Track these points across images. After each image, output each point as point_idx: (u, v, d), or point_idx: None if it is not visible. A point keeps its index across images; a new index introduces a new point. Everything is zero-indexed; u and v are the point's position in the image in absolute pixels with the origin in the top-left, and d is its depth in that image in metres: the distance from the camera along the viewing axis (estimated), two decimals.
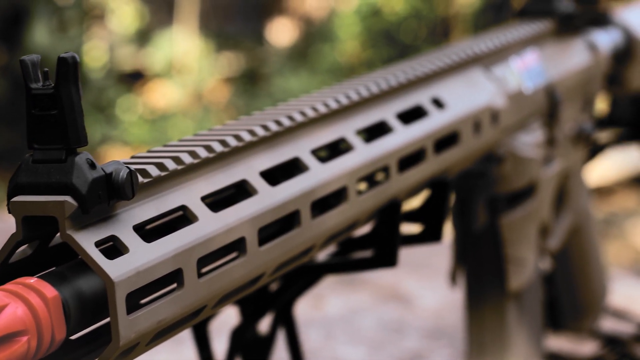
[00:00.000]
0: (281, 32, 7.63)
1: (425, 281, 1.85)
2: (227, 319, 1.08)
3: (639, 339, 1.52)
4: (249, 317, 0.96)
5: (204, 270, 0.71)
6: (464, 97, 1.03)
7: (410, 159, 0.93)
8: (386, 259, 0.91)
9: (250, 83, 6.61)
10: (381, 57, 6.00)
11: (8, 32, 5.65)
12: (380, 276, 1.87)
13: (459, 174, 1.12)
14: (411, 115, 0.96)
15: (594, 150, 1.51)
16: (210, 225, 0.69)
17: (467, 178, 1.12)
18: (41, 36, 5.81)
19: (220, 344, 1.07)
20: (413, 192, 0.96)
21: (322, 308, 1.70)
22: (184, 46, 6.65)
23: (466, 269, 1.15)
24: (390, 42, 6.17)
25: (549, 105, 1.19)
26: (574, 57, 1.27)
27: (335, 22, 6.68)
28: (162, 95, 6.45)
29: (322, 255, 1.00)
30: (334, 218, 0.82)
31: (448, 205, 0.98)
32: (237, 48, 7.10)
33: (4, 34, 5.64)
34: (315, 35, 7.03)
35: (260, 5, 7.91)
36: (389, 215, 0.91)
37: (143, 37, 6.89)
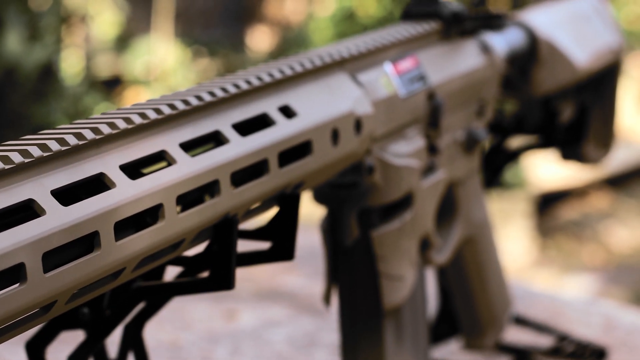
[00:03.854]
0: (260, 38, 7.59)
1: None
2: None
3: (555, 352, 1.47)
4: (84, 343, 0.90)
5: None
6: (321, 104, 0.97)
7: (248, 172, 0.87)
8: (221, 280, 0.85)
9: None
10: None
11: None
12: (301, 288, 1.81)
13: (325, 185, 1.06)
14: (253, 125, 0.90)
15: (507, 157, 1.45)
16: None
17: (338, 189, 1.06)
18: (13, 43, 5.75)
19: None
20: (257, 207, 0.90)
21: (233, 322, 1.64)
22: (161, 53, 6.61)
23: (339, 287, 1.09)
24: None
25: (429, 112, 1.13)
26: (464, 61, 1.21)
27: (311, 27, 6.65)
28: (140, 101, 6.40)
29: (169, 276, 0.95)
30: (146, 239, 0.76)
31: (298, 221, 0.92)
32: (214, 54, 7.07)
33: None
34: (292, 40, 7.00)
35: (240, 12, 7.87)
36: (223, 233, 0.85)
37: (121, 43, 6.85)
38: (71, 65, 6.13)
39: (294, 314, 1.67)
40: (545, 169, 4.98)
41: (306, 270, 1.85)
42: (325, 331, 1.59)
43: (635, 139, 6.09)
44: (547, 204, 5.09)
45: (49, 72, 5.95)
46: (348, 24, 6.26)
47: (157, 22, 6.97)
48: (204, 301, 1.73)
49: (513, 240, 4.63)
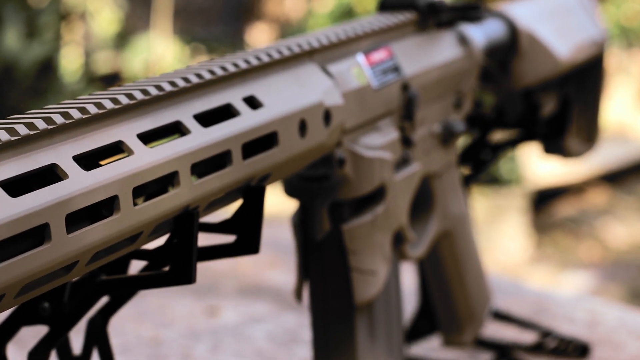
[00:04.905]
0: (259, 35, 7.58)
1: None
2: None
3: (537, 348, 1.45)
4: (45, 338, 0.89)
5: None
6: (289, 94, 0.95)
7: (210, 163, 0.86)
8: (182, 274, 0.84)
9: None
10: None
11: None
12: (286, 283, 1.80)
13: (295, 178, 1.05)
14: (217, 116, 0.88)
15: (489, 151, 1.43)
16: None
17: (308, 182, 1.04)
18: (11, 40, 5.74)
19: None
20: (221, 199, 0.89)
21: (215, 318, 1.63)
22: (160, 50, 6.61)
23: (310, 283, 1.08)
24: None
25: (404, 103, 1.11)
26: (440, 52, 1.19)
27: (310, 23, 6.64)
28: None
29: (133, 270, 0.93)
30: (101, 232, 0.75)
31: (263, 214, 0.90)
32: (212, 52, 7.06)
33: None
34: (291, 37, 6.98)
35: (240, 9, 7.86)
36: (183, 226, 0.83)
37: (120, 40, 6.85)
38: (70, 62, 6.12)
39: (277, 310, 1.66)
40: (541, 165, 4.97)
41: (291, 266, 1.83)
42: (306, 327, 1.57)
43: (633, 135, 6.07)
44: (544, 201, 5.07)
45: (47, 69, 5.94)
46: (347, 20, 6.25)
47: (156, 19, 6.97)
48: (186, 297, 1.72)
49: (509, 236, 4.61)
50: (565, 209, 5.10)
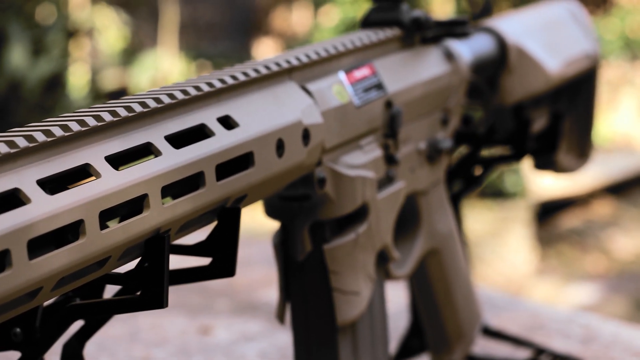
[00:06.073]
0: (266, 50, 7.58)
1: None
2: None
3: None
4: None
5: None
6: (266, 114, 0.93)
7: (182, 185, 0.84)
8: (153, 298, 0.82)
9: None
10: None
11: None
12: None
13: (275, 198, 1.03)
14: (191, 137, 0.87)
15: (481, 167, 1.41)
16: None
17: (289, 202, 1.03)
18: (18, 58, 5.75)
19: None
20: (195, 221, 0.87)
21: (208, 337, 1.61)
22: (166, 66, 6.62)
23: (291, 304, 1.06)
24: None
25: (387, 121, 1.09)
26: (426, 69, 1.18)
27: (315, 37, 6.64)
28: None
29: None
30: (65, 257, 0.73)
31: (238, 236, 0.88)
32: (218, 68, 7.07)
33: None
34: None
35: (247, 24, 7.87)
36: (153, 249, 0.82)
37: (127, 57, 6.86)
38: (77, 78, 6.14)
39: (270, 329, 1.64)
40: (546, 177, 4.94)
41: None
42: None
43: (638, 146, 6.04)
44: (549, 213, 5.05)
45: (54, 86, 5.95)
46: None
47: (163, 35, 6.98)
48: (179, 316, 1.71)
49: (514, 249, 4.59)
50: (570, 220, 5.07)
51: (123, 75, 6.79)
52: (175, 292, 1.80)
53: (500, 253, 4.52)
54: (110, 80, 6.67)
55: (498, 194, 4.66)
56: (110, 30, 6.67)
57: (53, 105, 5.80)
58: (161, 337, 1.63)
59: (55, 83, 5.96)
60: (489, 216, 4.54)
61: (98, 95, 6.31)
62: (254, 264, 1.85)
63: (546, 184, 5.00)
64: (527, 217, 4.69)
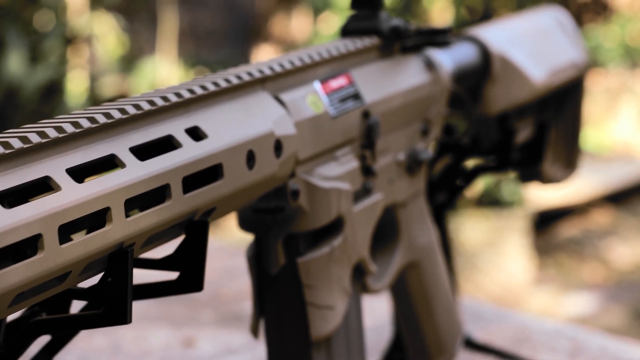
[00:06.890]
0: (266, 57, 7.57)
1: None
2: None
3: None
4: None
5: None
6: (236, 125, 0.92)
7: (147, 198, 0.82)
8: (116, 314, 0.80)
9: None
10: None
11: None
12: None
13: (248, 210, 1.02)
14: (157, 149, 0.85)
15: (464, 178, 1.39)
16: None
17: (262, 214, 1.01)
18: (15, 65, 5.74)
19: None
20: (161, 234, 0.85)
21: (192, 349, 1.59)
22: (164, 74, 6.61)
23: (265, 318, 1.04)
24: None
25: (364, 132, 1.08)
26: (405, 78, 1.16)
27: (315, 44, 6.62)
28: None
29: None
30: (23, 272, 0.72)
31: (206, 250, 0.87)
32: None
33: None
34: None
35: (247, 31, 7.86)
36: (116, 264, 0.80)
37: (126, 64, 6.85)
38: (76, 85, 6.13)
39: (254, 342, 1.62)
40: (544, 186, 4.92)
41: None
42: None
43: (638, 155, 6.02)
44: (547, 222, 5.02)
45: (52, 93, 5.94)
46: None
47: (161, 42, 6.97)
48: (162, 328, 1.69)
49: (511, 258, 4.57)
50: (568, 229, 5.05)
51: (122, 82, 6.77)
52: (159, 303, 1.78)
53: (497, 262, 4.50)
54: (109, 87, 6.65)
55: (495, 203, 4.63)
56: (109, 37, 6.66)
57: (51, 113, 5.78)
58: (144, 350, 1.61)
59: (53, 90, 5.95)
60: (486, 225, 4.52)
61: (97, 102, 6.29)
62: (239, 274, 1.83)
63: (544, 193, 4.98)
64: (525, 226, 4.67)
